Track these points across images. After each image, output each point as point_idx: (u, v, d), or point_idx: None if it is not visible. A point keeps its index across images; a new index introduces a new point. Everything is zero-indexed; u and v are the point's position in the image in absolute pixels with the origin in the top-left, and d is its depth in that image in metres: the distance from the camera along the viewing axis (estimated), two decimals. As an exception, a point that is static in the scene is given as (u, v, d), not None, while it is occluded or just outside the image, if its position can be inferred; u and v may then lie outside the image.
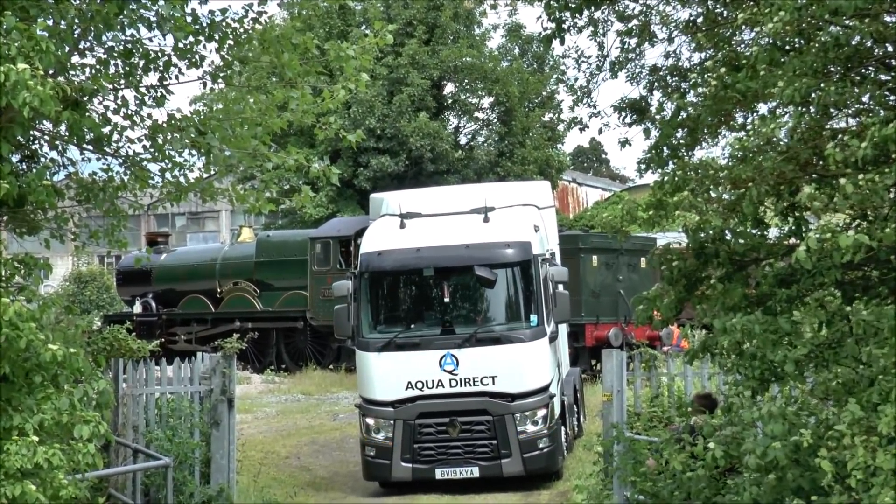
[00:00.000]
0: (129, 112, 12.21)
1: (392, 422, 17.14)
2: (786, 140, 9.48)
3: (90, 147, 12.37)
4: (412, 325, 17.80)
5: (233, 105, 12.62)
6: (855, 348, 8.73)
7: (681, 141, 10.98)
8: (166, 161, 12.50)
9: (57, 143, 12.83)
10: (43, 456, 9.60)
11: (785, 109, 9.71)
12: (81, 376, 10.41)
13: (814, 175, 9.55)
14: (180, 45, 12.20)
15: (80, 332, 11.72)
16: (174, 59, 12.28)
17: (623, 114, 14.90)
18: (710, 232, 10.06)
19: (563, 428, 18.12)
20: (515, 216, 18.15)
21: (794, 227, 10.05)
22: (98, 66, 11.72)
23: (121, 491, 14.99)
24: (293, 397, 28.88)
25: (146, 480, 15.18)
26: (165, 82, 12.40)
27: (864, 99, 9.34)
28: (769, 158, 9.29)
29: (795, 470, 8.54)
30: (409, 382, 17.09)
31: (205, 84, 12.78)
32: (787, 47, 9.68)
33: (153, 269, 37.11)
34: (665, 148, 11.00)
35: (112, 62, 11.91)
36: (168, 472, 14.67)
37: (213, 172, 13.67)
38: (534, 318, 17.23)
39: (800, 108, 9.38)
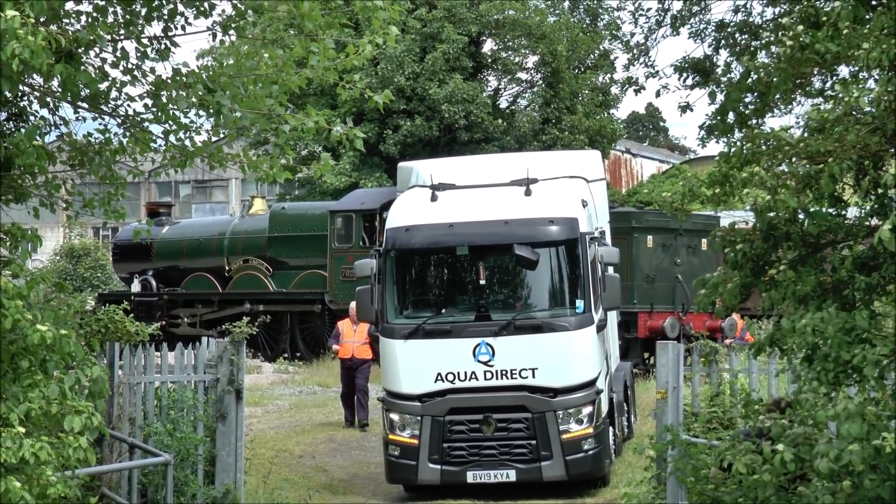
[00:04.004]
0: (130, 66, 12.20)
1: (419, 418, 17.15)
2: (871, 109, 9.39)
3: (85, 105, 12.38)
4: (443, 310, 17.80)
5: (246, 60, 12.60)
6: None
7: (750, 107, 10.90)
8: (170, 122, 12.50)
9: (48, 99, 12.85)
10: (29, 450, 9.65)
11: (870, 74, 9.62)
12: (73, 362, 10.45)
13: (902, 149, 9.47)
14: (188, -9, 12.19)
15: (71, 312, 11.76)
16: (180, 7, 12.27)
17: (685, 75, 14.84)
18: (781, 211, 9.99)
19: (610, 428, 18.11)
20: (561, 189, 18.10)
21: (876, 206, 9.97)
22: (95, 14, 11.72)
23: (115, 490, 15.07)
24: (309, 389, 28.99)
25: (143, 479, 15.25)
26: (170, 33, 12.39)
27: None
28: (852, 130, 9.21)
29: (874, 477, 8.49)
30: (439, 374, 17.09)
31: (214, 36, 12.77)
32: (875, 2, 9.59)
33: (154, 243, 37.32)
34: (732, 114, 10.92)
35: (111, 10, 11.91)
36: (168, 470, 14.73)
37: (222, 135, 13.68)
38: (580, 303, 17.19)
39: (887, 73, 9.30)
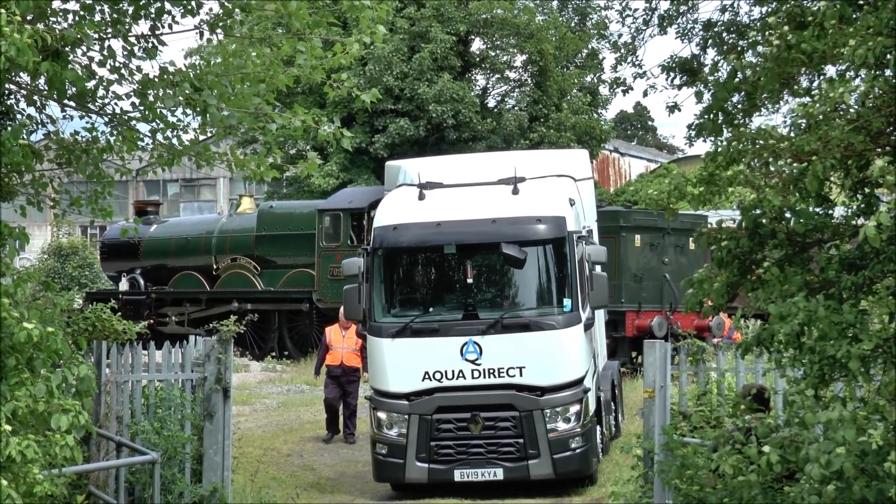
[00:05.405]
0: (117, 64, 12.20)
1: (406, 416, 17.15)
2: (856, 107, 9.41)
3: (72, 103, 12.37)
4: (431, 309, 17.79)
5: (233, 59, 12.59)
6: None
7: (737, 106, 10.91)
8: (157, 120, 12.50)
9: (35, 98, 12.84)
10: (16, 448, 9.64)
11: (857, 73, 9.64)
12: (60, 360, 10.44)
13: (887, 147, 9.49)
14: (175, -11, 12.18)
15: (58, 310, 11.78)
16: (167, 6, 12.27)
17: (672, 74, 14.85)
18: (767, 210, 10.00)
19: (598, 427, 18.11)
20: (548, 188, 18.11)
21: (862, 206, 9.99)
22: (82, 13, 11.72)
23: (102, 489, 15.06)
24: (296, 388, 28.94)
25: (131, 477, 15.23)
26: (157, 32, 12.39)
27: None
28: (836, 128, 9.23)
29: (861, 479, 8.50)
30: (427, 373, 17.09)
31: (202, 35, 12.77)
32: (861, 1, 9.60)
33: (142, 241, 37.25)
34: (720, 113, 10.93)
35: (98, 8, 11.90)
36: (155, 468, 14.72)
37: (210, 134, 13.67)
38: (567, 302, 17.20)
39: (873, 72, 9.31)
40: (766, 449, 9.25)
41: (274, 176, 13.10)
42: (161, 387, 15.99)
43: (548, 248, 17.46)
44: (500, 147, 42.08)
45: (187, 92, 11.99)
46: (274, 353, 34.07)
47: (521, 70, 46.86)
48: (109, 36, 12.14)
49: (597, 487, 17.46)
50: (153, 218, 39.07)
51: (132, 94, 12.37)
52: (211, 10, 12.62)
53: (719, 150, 10.33)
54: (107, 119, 12.82)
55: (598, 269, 17.68)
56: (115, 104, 12.58)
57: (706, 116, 11.11)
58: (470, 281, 17.64)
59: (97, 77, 12.09)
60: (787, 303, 9.11)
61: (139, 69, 12.34)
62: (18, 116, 13.56)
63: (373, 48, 13.36)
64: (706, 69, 13.54)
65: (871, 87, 9.26)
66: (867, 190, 9.88)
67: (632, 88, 16.29)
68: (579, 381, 17.16)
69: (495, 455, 17.04)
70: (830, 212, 10.23)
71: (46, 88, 11.79)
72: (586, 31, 47.46)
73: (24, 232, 11.27)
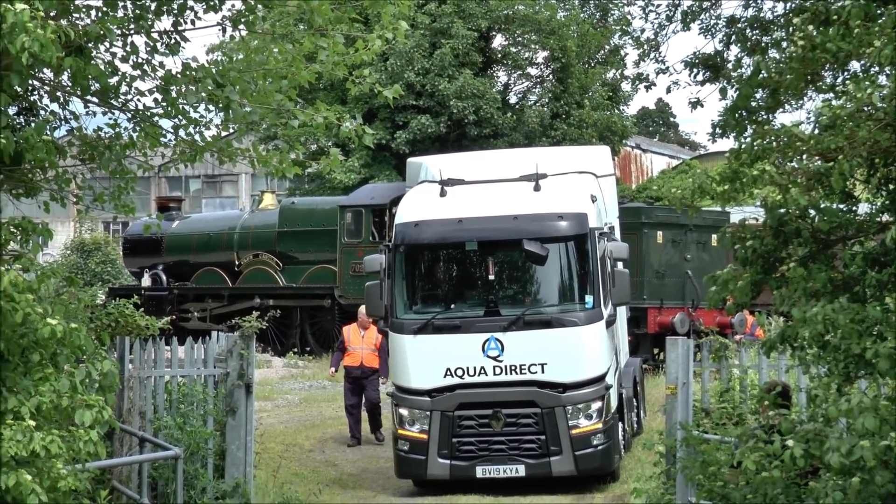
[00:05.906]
0: (140, 60, 12.22)
1: (428, 413, 17.15)
2: (882, 105, 9.34)
3: (95, 99, 12.39)
4: (452, 306, 17.79)
5: (255, 55, 12.60)
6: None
7: (761, 102, 10.86)
8: (180, 117, 12.51)
9: (58, 94, 12.86)
10: (40, 443, 9.66)
11: (882, 70, 9.58)
12: (83, 355, 10.47)
13: (914, 145, 9.43)
14: (197, -15, 12.19)
15: (82, 306, 11.79)
16: (190, 2, 12.28)
17: (695, 70, 14.79)
18: (792, 209, 9.95)
19: (620, 424, 18.08)
20: (570, 184, 18.08)
21: (887, 202, 9.93)
22: (105, 8, 11.73)
23: (125, 484, 15.09)
24: (318, 384, 28.96)
25: (154, 473, 15.26)
26: (180, 28, 12.40)
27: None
28: (864, 127, 9.17)
29: (885, 473, 8.46)
30: (448, 369, 17.09)
31: (224, 30, 12.78)
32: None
33: (164, 237, 37.29)
34: (743, 110, 10.88)
35: (120, 4, 11.91)
36: (178, 463, 14.72)
37: (232, 130, 13.67)
38: (589, 299, 17.18)
39: (899, 69, 9.26)
40: (789, 443, 9.22)
41: (296, 172, 13.12)
42: (184, 382, 16.01)
43: (569, 244, 17.44)
44: (522, 144, 42.03)
45: (210, 88, 12.00)
46: (296, 349, 34.06)
47: (542, 66, 46.80)
48: (132, 32, 12.15)
49: (619, 484, 17.44)
50: (175, 214, 39.09)
51: (155, 90, 12.39)
52: (233, 6, 12.63)
53: (743, 147, 10.28)
54: (129, 115, 12.83)
55: (619, 265, 17.66)
56: (138, 100, 12.61)
57: (729, 114, 11.07)
58: (491, 277, 17.64)
59: (120, 73, 12.12)
60: (808, 312, 9.07)
61: (162, 65, 12.36)
62: (42, 112, 13.59)
63: (394, 43, 13.24)
64: (729, 65, 13.49)
65: (897, 86, 9.21)
66: (892, 186, 9.82)
67: (654, 84, 16.23)
68: (601, 378, 17.13)
69: (517, 452, 17.03)
70: (854, 209, 10.18)
71: (70, 84, 11.81)
72: (608, 27, 47.34)
73: (47, 228, 11.29)
